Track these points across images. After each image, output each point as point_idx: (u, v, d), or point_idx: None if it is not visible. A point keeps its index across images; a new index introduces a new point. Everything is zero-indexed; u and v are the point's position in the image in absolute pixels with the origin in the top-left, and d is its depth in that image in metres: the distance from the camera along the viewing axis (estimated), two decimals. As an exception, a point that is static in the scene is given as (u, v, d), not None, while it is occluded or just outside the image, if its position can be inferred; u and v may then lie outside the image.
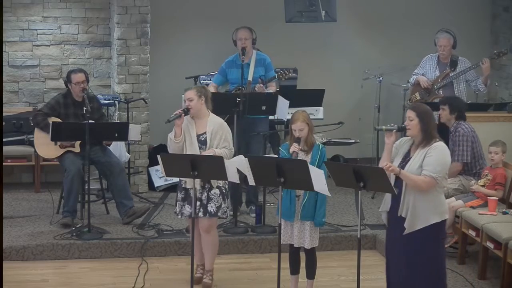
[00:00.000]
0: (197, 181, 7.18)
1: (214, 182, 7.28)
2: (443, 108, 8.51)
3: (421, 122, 6.30)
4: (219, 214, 7.34)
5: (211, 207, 7.29)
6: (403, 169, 6.30)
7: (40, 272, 7.89)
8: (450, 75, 9.62)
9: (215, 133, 7.33)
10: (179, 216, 7.45)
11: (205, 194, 7.29)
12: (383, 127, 6.47)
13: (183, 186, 7.36)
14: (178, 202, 7.41)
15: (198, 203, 7.27)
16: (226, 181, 7.24)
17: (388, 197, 6.45)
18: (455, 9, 11.47)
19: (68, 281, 7.74)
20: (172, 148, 7.41)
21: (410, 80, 9.95)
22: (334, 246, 8.54)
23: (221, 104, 8.25)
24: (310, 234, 6.93)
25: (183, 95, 7.50)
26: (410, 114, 6.35)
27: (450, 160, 6.40)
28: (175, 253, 8.35)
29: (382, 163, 6.39)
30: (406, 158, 6.37)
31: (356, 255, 6.49)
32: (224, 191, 7.34)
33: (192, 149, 7.30)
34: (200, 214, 7.30)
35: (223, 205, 7.33)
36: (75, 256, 8.22)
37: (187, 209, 7.33)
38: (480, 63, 9.52)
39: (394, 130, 6.41)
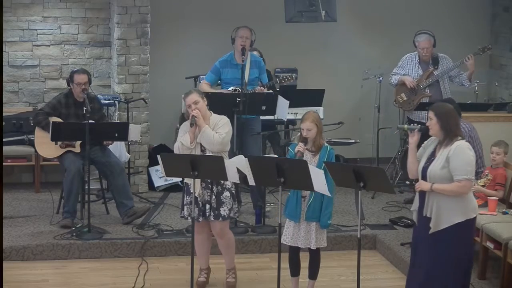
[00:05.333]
0: (198, 184, 7.18)
1: (224, 185, 7.26)
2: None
3: (440, 121, 6.31)
4: (231, 215, 7.36)
5: (224, 211, 7.28)
6: (426, 169, 6.33)
7: (40, 272, 7.89)
8: (434, 73, 9.63)
9: (214, 124, 7.30)
10: (189, 219, 7.38)
11: (214, 197, 7.27)
12: (405, 126, 6.51)
13: (191, 190, 7.31)
14: (186, 206, 7.35)
15: (207, 206, 7.27)
16: (233, 182, 7.20)
17: (417, 196, 6.48)
18: (455, 9, 11.48)
19: (68, 281, 7.74)
20: (182, 153, 7.30)
21: (392, 81, 9.90)
22: (334, 246, 8.54)
23: (220, 104, 8.23)
24: (316, 235, 6.92)
25: (183, 100, 7.37)
26: (430, 114, 6.38)
27: (474, 155, 6.38)
28: (175, 253, 8.36)
29: (409, 164, 6.46)
30: (431, 158, 6.40)
31: (356, 255, 6.49)
32: (233, 192, 7.33)
33: (196, 152, 7.28)
34: (212, 218, 7.29)
35: (234, 206, 7.33)
36: (75, 256, 8.22)
37: (196, 212, 7.28)
38: (464, 60, 9.54)
39: (416, 130, 6.46)
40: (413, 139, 6.45)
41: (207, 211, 7.27)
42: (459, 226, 6.29)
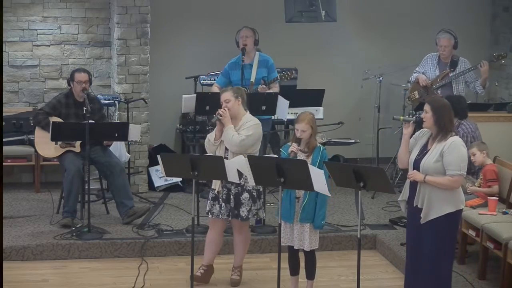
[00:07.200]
0: (218, 181, 7.23)
1: (244, 186, 7.25)
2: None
3: (435, 115, 6.38)
4: (249, 216, 7.37)
5: (243, 212, 7.30)
6: (420, 161, 6.39)
7: (40, 272, 7.89)
8: (450, 75, 9.64)
9: (240, 126, 7.30)
10: (210, 216, 7.41)
11: (233, 197, 7.29)
12: (401, 117, 6.57)
13: (212, 186, 7.36)
14: (208, 201, 7.41)
15: (223, 205, 7.30)
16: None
17: (407, 187, 6.54)
18: (455, 9, 11.47)
19: (68, 281, 7.74)
20: (209, 149, 7.37)
21: (410, 78, 9.98)
22: (334, 246, 8.54)
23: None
24: (310, 237, 6.92)
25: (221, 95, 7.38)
26: (426, 107, 6.46)
27: (467, 151, 6.46)
28: (175, 253, 8.36)
29: (401, 154, 6.55)
30: (424, 151, 6.46)
31: (356, 255, 6.49)
32: (254, 194, 7.32)
33: (220, 151, 7.32)
34: (230, 217, 7.32)
35: (253, 208, 7.33)
36: (75, 256, 8.22)
37: (217, 209, 7.33)
38: (479, 65, 9.53)
39: (412, 121, 6.52)
40: (407, 130, 6.53)
41: (222, 209, 7.30)
42: (449, 216, 6.38)
